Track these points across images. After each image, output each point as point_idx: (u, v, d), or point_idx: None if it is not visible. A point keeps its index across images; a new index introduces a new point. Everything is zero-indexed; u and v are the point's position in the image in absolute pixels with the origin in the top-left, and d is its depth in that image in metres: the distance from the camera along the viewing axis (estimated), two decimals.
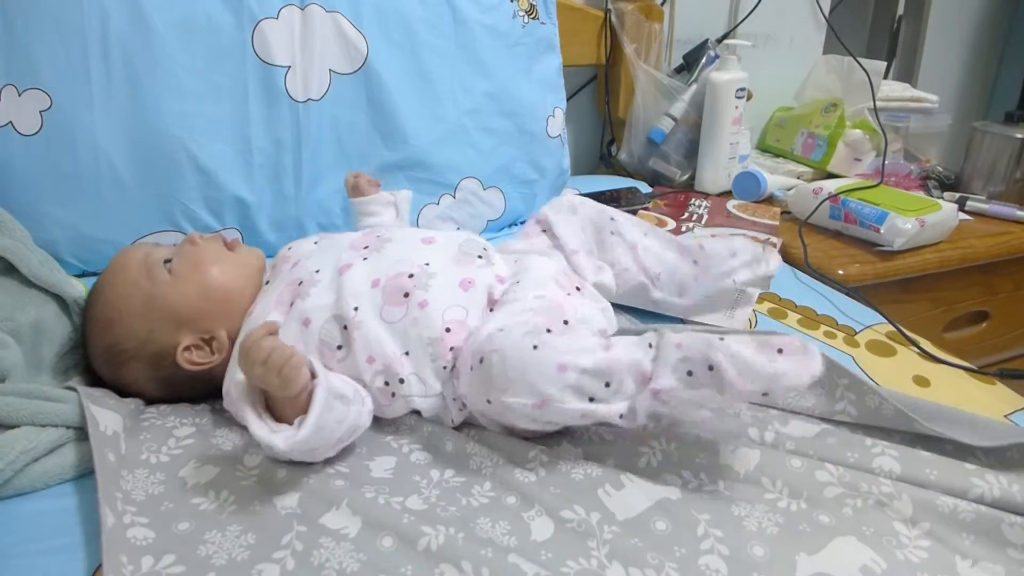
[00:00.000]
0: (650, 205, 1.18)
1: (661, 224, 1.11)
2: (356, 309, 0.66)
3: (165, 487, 0.59)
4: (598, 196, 1.20)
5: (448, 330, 0.66)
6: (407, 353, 0.66)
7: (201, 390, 0.70)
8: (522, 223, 1.14)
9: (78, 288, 0.79)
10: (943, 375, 0.78)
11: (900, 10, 1.71)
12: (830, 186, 1.17)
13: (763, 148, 1.58)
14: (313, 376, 0.59)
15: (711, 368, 0.56)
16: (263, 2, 0.93)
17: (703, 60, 1.34)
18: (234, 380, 0.63)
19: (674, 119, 1.32)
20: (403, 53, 0.99)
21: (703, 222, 1.12)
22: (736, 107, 1.29)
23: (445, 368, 0.65)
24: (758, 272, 0.79)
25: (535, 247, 0.80)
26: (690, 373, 0.57)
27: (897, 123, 1.44)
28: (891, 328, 0.86)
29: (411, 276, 0.68)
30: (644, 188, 1.30)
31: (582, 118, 1.43)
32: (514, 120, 1.06)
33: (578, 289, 0.74)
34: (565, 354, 0.58)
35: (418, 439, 0.67)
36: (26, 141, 0.84)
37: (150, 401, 0.71)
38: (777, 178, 1.32)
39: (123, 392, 0.70)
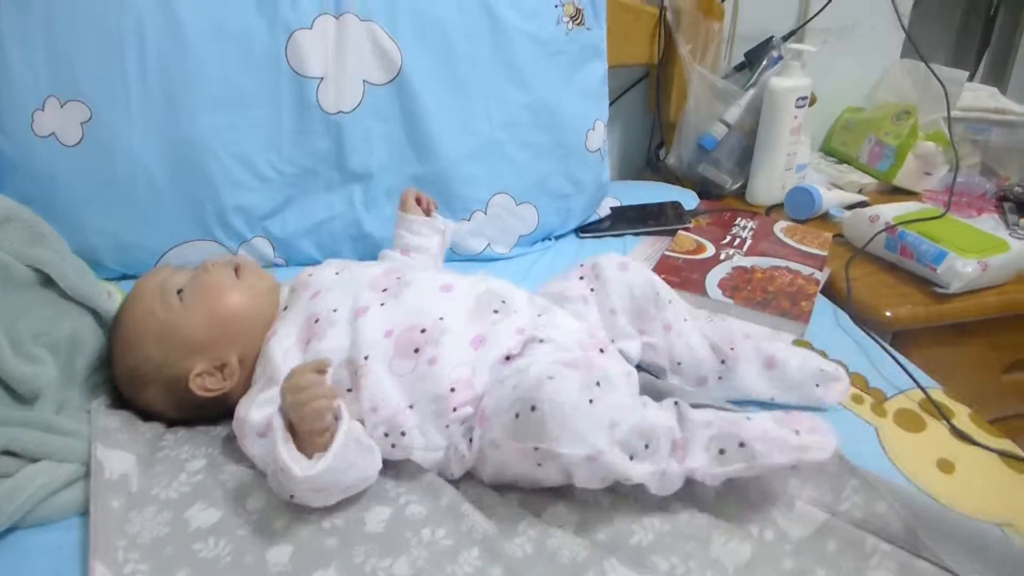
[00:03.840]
0: (691, 224, 1.13)
1: (699, 249, 1.06)
2: (367, 358, 0.67)
3: (170, 528, 0.62)
4: (640, 209, 1.17)
5: (453, 389, 0.66)
6: (411, 406, 0.67)
7: (216, 412, 0.73)
8: (556, 237, 1.12)
9: (112, 302, 0.82)
10: (973, 458, 0.73)
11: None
12: (889, 213, 1.10)
13: (827, 151, 1.48)
14: (337, 419, 0.61)
15: (742, 445, 0.61)
16: (298, 11, 0.92)
17: (764, 61, 1.26)
18: (254, 403, 0.66)
19: (728, 125, 1.25)
20: (438, 63, 0.97)
21: (745, 248, 1.07)
22: (795, 117, 1.21)
23: (448, 427, 0.66)
24: (809, 398, 0.77)
25: (571, 291, 0.79)
26: (722, 451, 0.61)
27: (977, 135, 1.32)
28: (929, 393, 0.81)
29: (423, 331, 0.68)
30: (690, 198, 1.25)
31: (631, 118, 1.38)
32: (551, 134, 1.03)
33: (601, 351, 0.73)
34: (616, 410, 0.60)
35: (416, 488, 0.67)
36: (68, 152, 0.87)
37: (171, 422, 0.74)
38: (835, 194, 1.24)
39: (146, 412, 0.74)
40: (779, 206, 1.27)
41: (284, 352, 0.69)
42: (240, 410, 0.68)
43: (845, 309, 0.97)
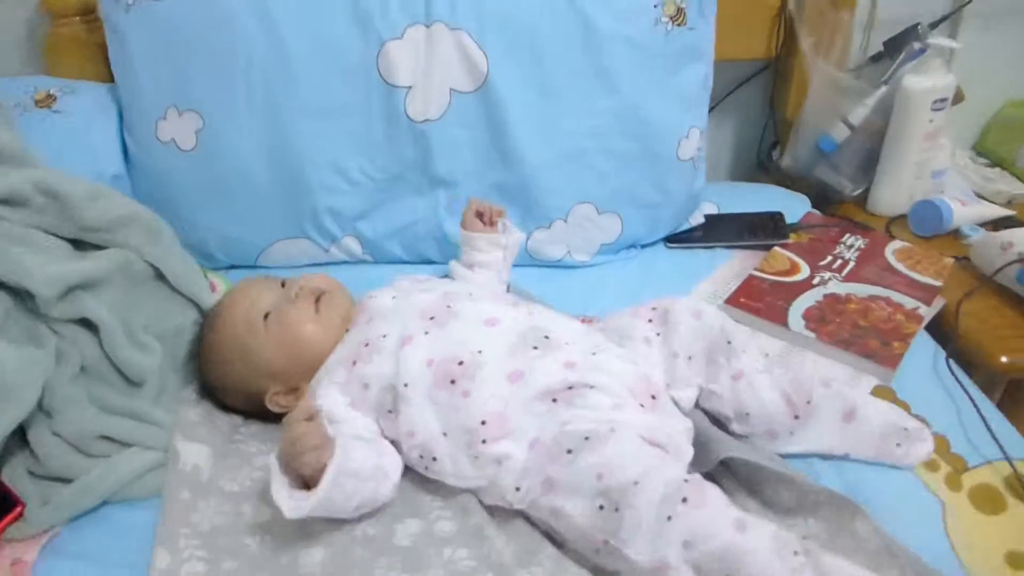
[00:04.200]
0: (790, 240, 1.05)
1: (793, 270, 0.99)
2: (407, 385, 0.71)
3: (227, 519, 0.70)
4: (737, 219, 1.11)
5: (483, 423, 0.68)
6: (445, 434, 0.70)
7: None
8: (643, 246, 1.09)
9: (214, 297, 0.92)
10: None
11: None
12: None
13: (980, 150, 1.31)
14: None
15: None
16: (389, 22, 0.94)
17: (903, 54, 1.12)
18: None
19: (851, 127, 1.14)
20: (525, 70, 0.96)
21: (845, 272, 0.98)
22: (930, 121, 1.08)
23: (477, 458, 0.68)
24: (887, 456, 0.74)
25: (635, 331, 0.78)
26: None
27: None
28: (1022, 468, 0.72)
29: (461, 363, 0.71)
30: (801, 204, 1.17)
31: (746, 114, 1.28)
32: (640, 142, 0.99)
33: (654, 398, 0.72)
34: (697, 530, 0.58)
35: (450, 505, 0.71)
36: (185, 156, 0.97)
37: (248, 415, 0.83)
38: (971, 210, 1.10)
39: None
40: (904, 217, 1.15)
41: (329, 374, 0.75)
42: None
43: (947, 350, 0.87)
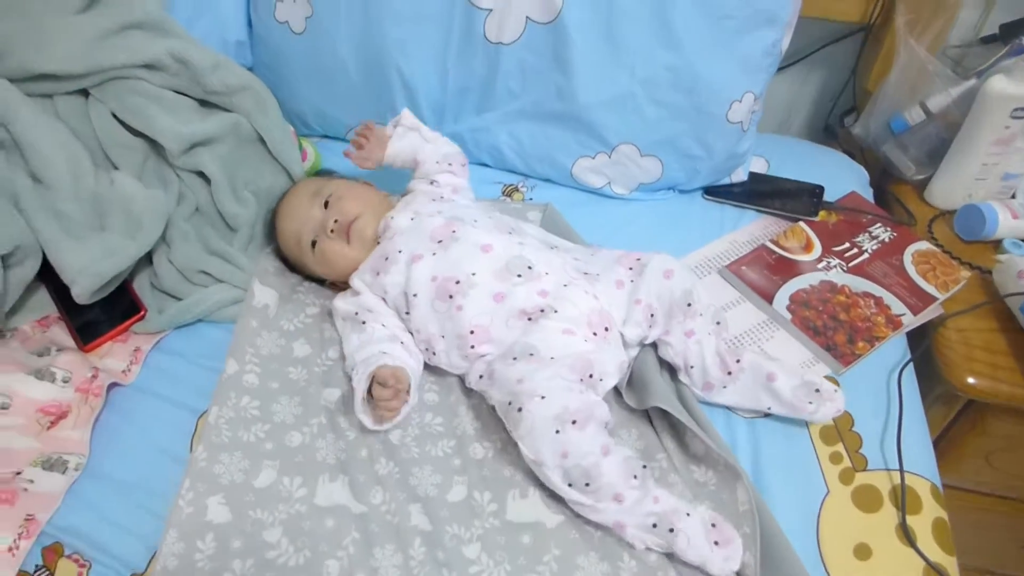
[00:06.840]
0: (816, 218, 1.10)
1: (806, 248, 1.05)
2: (415, 296, 0.89)
3: (281, 350, 0.94)
4: (777, 183, 1.16)
5: (472, 332, 0.87)
6: (443, 336, 0.89)
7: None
8: (680, 191, 1.17)
9: (303, 167, 1.11)
10: (899, 558, 0.76)
11: None
12: None
13: None
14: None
15: (671, 531, 0.74)
16: None
17: (1008, 46, 1.06)
18: (341, 298, 0.95)
19: (927, 112, 1.12)
20: (596, 13, 1.01)
21: (854, 263, 1.03)
22: (1007, 128, 1.05)
23: (466, 357, 0.88)
24: (803, 412, 0.85)
25: (613, 275, 0.90)
26: (655, 525, 0.75)
27: None
28: (913, 482, 0.82)
29: (457, 283, 0.87)
30: (857, 177, 1.19)
31: (829, 73, 1.26)
32: (691, 98, 1.04)
33: (606, 330, 0.87)
34: (574, 447, 0.75)
35: (439, 382, 0.92)
36: (295, 38, 1.12)
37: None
38: (1020, 223, 1.09)
39: None
40: (952, 214, 1.15)
41: (361, 276, 0.94)
42: (336, 300, 0.96)
43: (913, 358, 0.95)
